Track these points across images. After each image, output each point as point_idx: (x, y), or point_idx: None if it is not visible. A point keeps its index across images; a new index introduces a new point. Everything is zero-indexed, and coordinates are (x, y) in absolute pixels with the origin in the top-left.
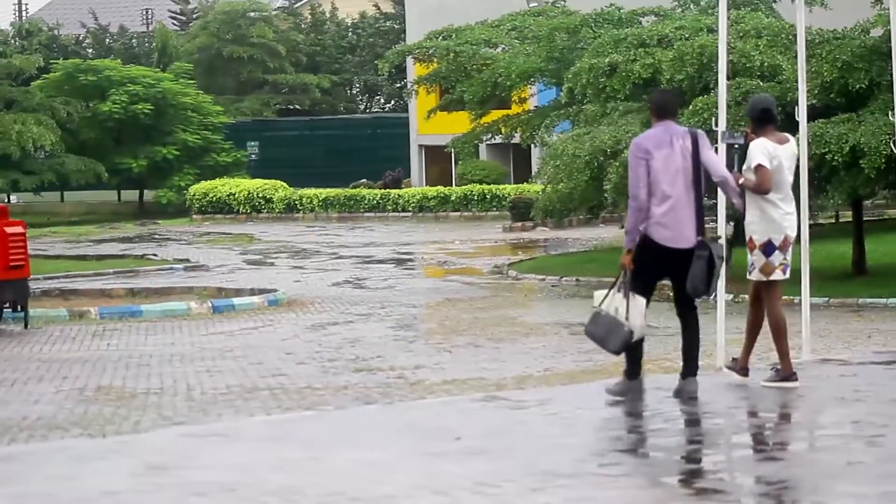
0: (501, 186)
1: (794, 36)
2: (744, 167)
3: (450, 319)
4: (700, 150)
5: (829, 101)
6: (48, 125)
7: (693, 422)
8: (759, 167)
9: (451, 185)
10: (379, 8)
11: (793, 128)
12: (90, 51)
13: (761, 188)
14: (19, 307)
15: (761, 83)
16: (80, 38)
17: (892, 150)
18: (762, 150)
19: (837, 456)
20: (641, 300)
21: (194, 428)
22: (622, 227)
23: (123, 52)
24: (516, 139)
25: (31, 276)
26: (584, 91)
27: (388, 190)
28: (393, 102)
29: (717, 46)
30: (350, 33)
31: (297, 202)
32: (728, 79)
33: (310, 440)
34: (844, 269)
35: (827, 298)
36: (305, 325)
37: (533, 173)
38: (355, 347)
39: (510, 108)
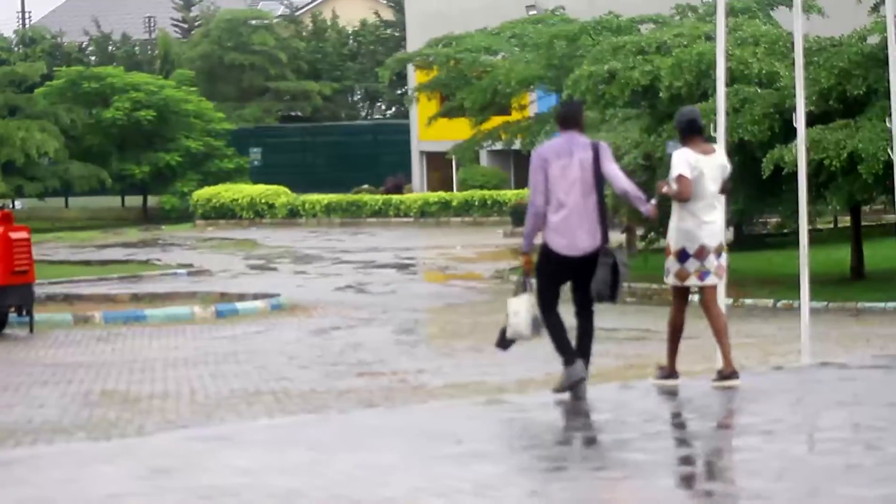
0: (502, 192)
1: (792, 43)
2: (668, 177)
3: (451, 324)
4: (601, 163)
5: (827, 108)
6: (52, 132)
7: (692, 426)
8: (679, 177)
9: (452, 191)
10: (379, 15)
11: (791, 134)
12: (93, 58)
13: (680, 197)
14: (24, 312)
15: (759, 90)
16: (83, 45)
17: (889, 156)
18: (684, 160)
19: (837, 459)
20: (524, 302)
21: (198, 432)
22: (622, 232)
23: (126, 59)
24: (516, 145)
25: (36, 281)
26: (583, 98)
27: (389, 196)
28: (394, 109)
29: (715, 54)
30: (351, 41)
31: (299, 208)
32: (726, 86)
33: (313, 444)
34: (843, 274)
35: (826, 303)
36: (308, 330)
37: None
38: (358, 352)
39: (510, 115)
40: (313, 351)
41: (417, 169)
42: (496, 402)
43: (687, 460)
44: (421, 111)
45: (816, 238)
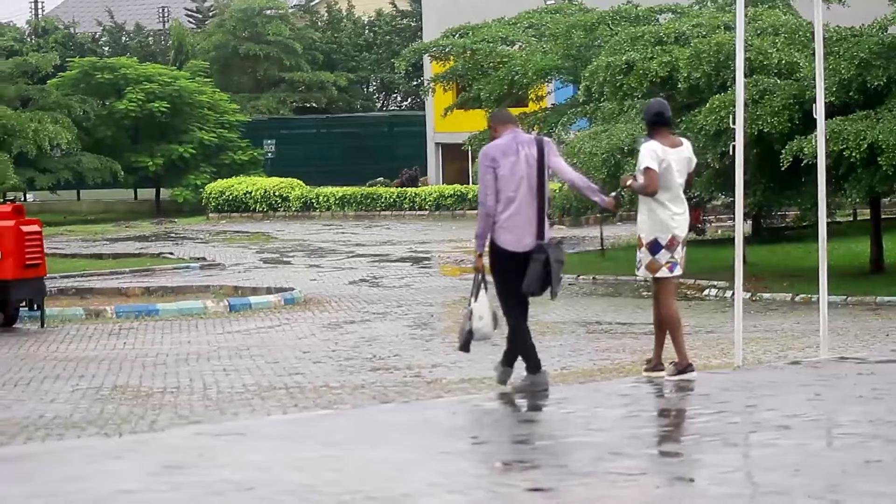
0: None
1: (812, 33)
2: (636, 169)
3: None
4: (546, 158)
5: (847, 99)
6: (64, 123)
7: (709, 420)
8: (646, 169)
9: (468, 184)
10: (395, 6)
11: (811, 125)
12: (106, 49)
13: (647, 190)
14: (36, 306)
15: (779, 81)
16: (96, 36)
17: None
18: (651, 153)
19: (856, 454)
20: (485, 305)
21: (211, 427)
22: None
23: (139, 50)
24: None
25: (48, 275)
26: (600, 89)
27: (404, 188)
28: (409, 100)
29: (734, 44)
30: (366, 31)
31: (313, 200)
32: (745, 76)
33: (327, 439)
34: (862, 268)
35: (845, 297)
36: (322, 324)
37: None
38: (372, 346)
39: (527, 106)
40: (327, 345)
41: (433, 161)
42: (511, 397)
43: (703, 455)
44: (437, 102)
45: (836, 231)
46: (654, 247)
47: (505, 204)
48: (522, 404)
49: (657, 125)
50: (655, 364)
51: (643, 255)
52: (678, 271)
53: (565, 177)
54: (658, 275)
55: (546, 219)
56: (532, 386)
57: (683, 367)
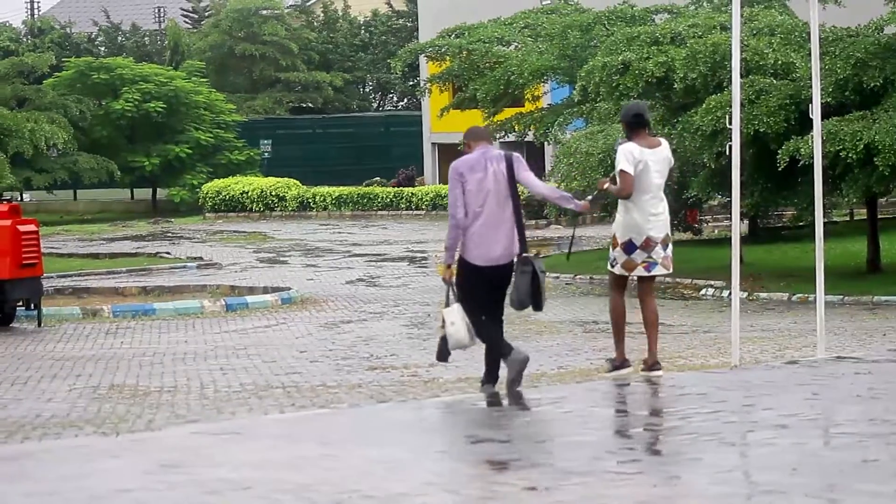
0: None
1: (808, 33)
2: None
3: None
4: (515, 173)
5: (844, 99)
6: (61, 123)
7: (706, 419)
8: (621, 172)
9: None
10: (391, 6)
11: (807, 126)
12: (102, 49)
13: (622, 193)
14: (32, 305)
15: (775, 81)
16: (93, 36)
17: None
18: (627, 155)
19: (853, 454)
20: (456, 311)
21: (208, 426)
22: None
23: (135, 50)
24: (530, 137)
25: (44, 275)
26: (597, 89)
27: (401, 188)
28: (406, 100)
29: (730, 44)
30: (362, 31)
31: (310, 200)
32: (741, 77)
33: (324, 438)
34: (859, 267)
35: (842, 296)
36: (319, 324)
37: (546, 171)
38: (369, 345)
39: (523, 106)
40: (324, 345)
41: (429, 161)
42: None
43: (701, 454)
44: (433, 102)
45: (832, 231)
46: (629, 247)
47: (472, 218)
48: (519, 404)
49: (635, 126)
50: (621, 362)
51: (618, 254)
52: (657, 270)
53: (536, 191)
54: (634, 273)
55: (521, 232)
56: (513, 363)
57: (652, 364)
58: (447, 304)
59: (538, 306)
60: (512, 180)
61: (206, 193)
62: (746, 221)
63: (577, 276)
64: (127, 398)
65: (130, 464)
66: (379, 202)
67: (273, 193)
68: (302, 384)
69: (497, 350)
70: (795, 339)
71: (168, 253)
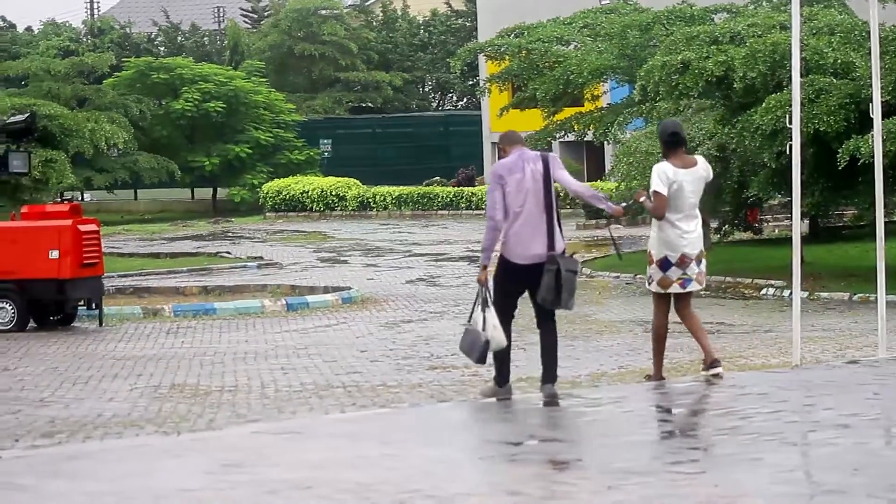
0: None
1: (868, 32)
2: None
3: (524, 317)
4: (551, 172)
5: None
6: (121, 123)
7: (768, 420)
8: (654, 193)
9: None
10: (450, 5)
11: (867, 125)
12: (162, 49)
13: (656, 213)
14: (94, 305)
15: (834, 80)
16: (152, 36)
17: None
18: (662, 175)
19: None
20: (494, 313)
21: (269, 425)
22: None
23: (195, 49)
24: (589, 136)
25: (106, 274)
26: (656, 88)
27: (461, 188)
28: (465, 100)
29: (789, 43)
30: (422, 31)
31: (370, 200)
32: (801, 76)
33: (384, 438)
34: None
35: None
36: (379, 323)
37: (606, 171)
38: (429, 345)
39: (583, 106)
40: (385, 344)
41: (489, 160)
42: (569, 397)
43: (762, 454)
44: (492, 102)
45: (893, 230)
46: (664, 264)
47: (513, 219)
48: (578, 403)
49: (672, 145)
50: (711, 362)
51: (654, 272)
52: (692, 287)
53: (570, 188)
54: (670, 290)
55: (558, 230)
56: (494, 396)
57: (711, 362)
58: (482, 307)
59: (562, 304)
60: (548, 179)
61: (267, 193)
62: (807, 221)
63: (638, 276)
64: (188, 398)
65: (192, 463)
66: (439, 202)
67: (333, 193)
68: (362, 384)
69: (499, 357)
70: (856, 338)
71: (228, 252)
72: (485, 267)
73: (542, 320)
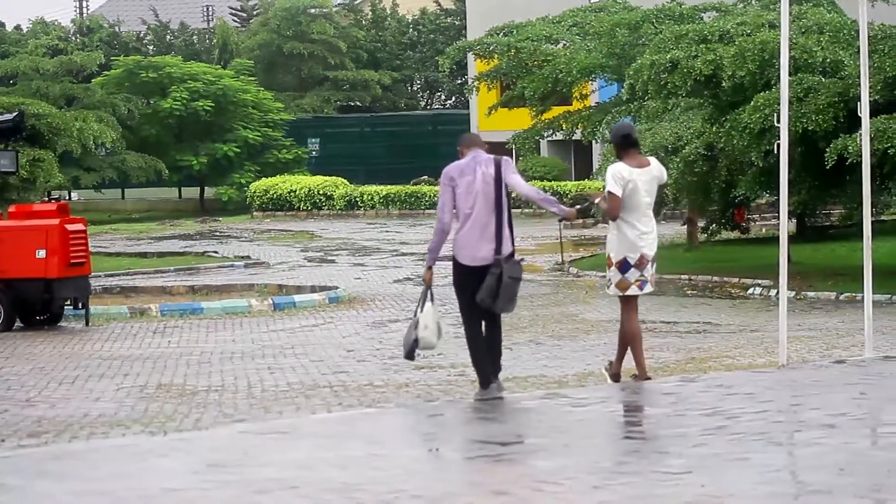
0: (562, 183)
1: (857, 31)
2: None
3: (510, 316)
4: (503, 175)
5: (892, 97)
6: (109, 122)
7: (753, 420)
8: (609, 194)
9: None
10: (439, 4)
11: (856, 124)
12: (151, 48)
13: (610, 214)
14: (80, 304)
15: (823, 79)
16: (141, 34)
17: None
18: (616, 176)
19: None
20: (430, 314)
21: (255, 425)
22: (683, 224)
23: (184, 48)
24: (577, 135)
25: (93, 274)
26: (645, 87)
27: None
28: (454, 99)
29: (778, 42)
30: (410, 30)
31: (357, 199)
32: (790, 75)
33: (371, 437)
34: None
35: (890, 295)
36: (366, 323)
37: (594, 169)
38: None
39: (571, 105)
40: (372, 344)
41: None
42: (555, 396)
43: (749, 454)
44: (481, 101)
45: (880, 230)
46: (624, 266)
47: (462, 220)
48: (565, 402)
49: (625, 146)
50: (615, 372)
51: (613, 275)
52: (648, 289)
53: (521, 191)
54: (628, 293)
55: (508, 234)
56: (482, 399)
57: (643, 380)
58: (421, 306)
59: (497, 309)
60: (499, 182)
61: (254, 192)
62: (794, 220)
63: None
64: (174, 397)
65: (178, 463)
66: (426, 201)
67: (321, 192)
68: (349, 383)
69: (471, 351)
70: (843, 338)
71: (216, 252)
72: (429, 268)
73: (489, 320)
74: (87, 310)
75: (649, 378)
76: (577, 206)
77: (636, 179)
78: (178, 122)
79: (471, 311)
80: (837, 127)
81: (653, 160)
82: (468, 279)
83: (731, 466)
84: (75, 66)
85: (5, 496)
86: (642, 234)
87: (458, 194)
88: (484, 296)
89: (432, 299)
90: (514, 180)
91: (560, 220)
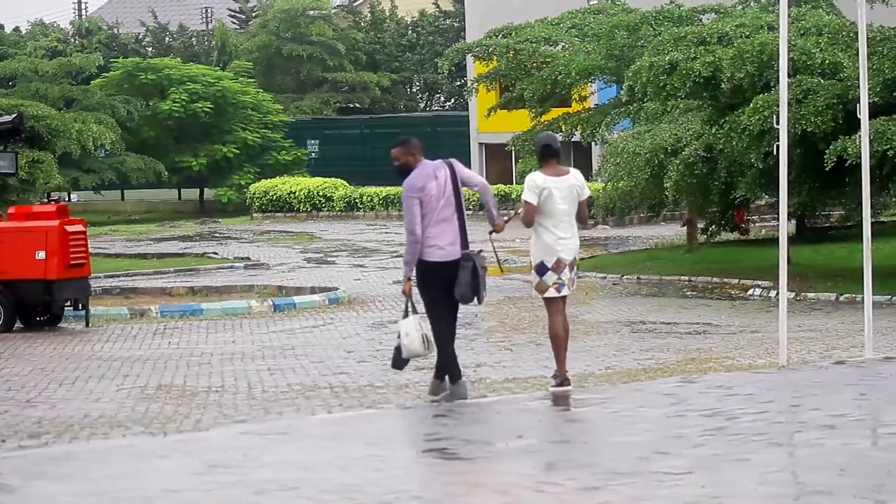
0: None
1: (856, 33)
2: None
3: (510, 317)
4: (457, 174)
5: (891, 99)
6: (108, 124)
7: (754, 421)
8: (524, 202)
9: (512, 183)
10: (438, 6)
11: (855, 125)
12: (150, 49)
13: (525, 220)
14: (80, 305)
15: (822, 81)
16: (140, 36)
17: None
18: (531, 184)
19: None
20: (412, 323)
21: (255, 426)
22: (683, 225)
23: (183, 50)
24: (577, 137)
25: (92, 275)
26: (644, 89)
27: None
28: (453, 100)
29: (777, 44)
30: (410, 31)
31: (357, 200)
32: (789, 76)
33: (371, 438)
34: None
35: (889, 296)
36: (366, 324)
37: (593, 171)
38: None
39: (570, 106)
40: (371, 345)
41: (476, 161)
42: (555, 397)
43: (749, 455)
44: (480, 102)
45: (880, 231)
46: (541, 269)
47: (432, 224)
48: (567, 404)
49: (545, 156)
50: (561, 381)
51: (532, 278)
52: (565, 291)
53: (476, 182)
54: (546, 295)
55: (466, 229)
56: (452, 396)
57: (561, 380)
58: (405, 316)
59: (479, 300)
60: (456, 182)
61: (254, 194)
62: (794, 221)
63: (625, 276)
64: (174, 398)
65: (178, 464)
66: None
67: (320, 194)
68: (349, 384)
69: (440, 349)
70: (843, 339)
71: (215, 253)
72: (408, 279)
73: (451, 315)
74: (87, 311)
75: (567, 381)
76: (505, 219)
77: (551, 187)
78: (178, 124)
79: (439, 308)
80: (836, 128)
81: (572, 170)
82: (436, 276)
83: (732, 467)
84: (74, 68)
85: (5, 496)
86: (559, 238)
87: (425, 203)
88: (463, 290)
89: (414, 309)
90: (467, 175)
91: (490, 233)
